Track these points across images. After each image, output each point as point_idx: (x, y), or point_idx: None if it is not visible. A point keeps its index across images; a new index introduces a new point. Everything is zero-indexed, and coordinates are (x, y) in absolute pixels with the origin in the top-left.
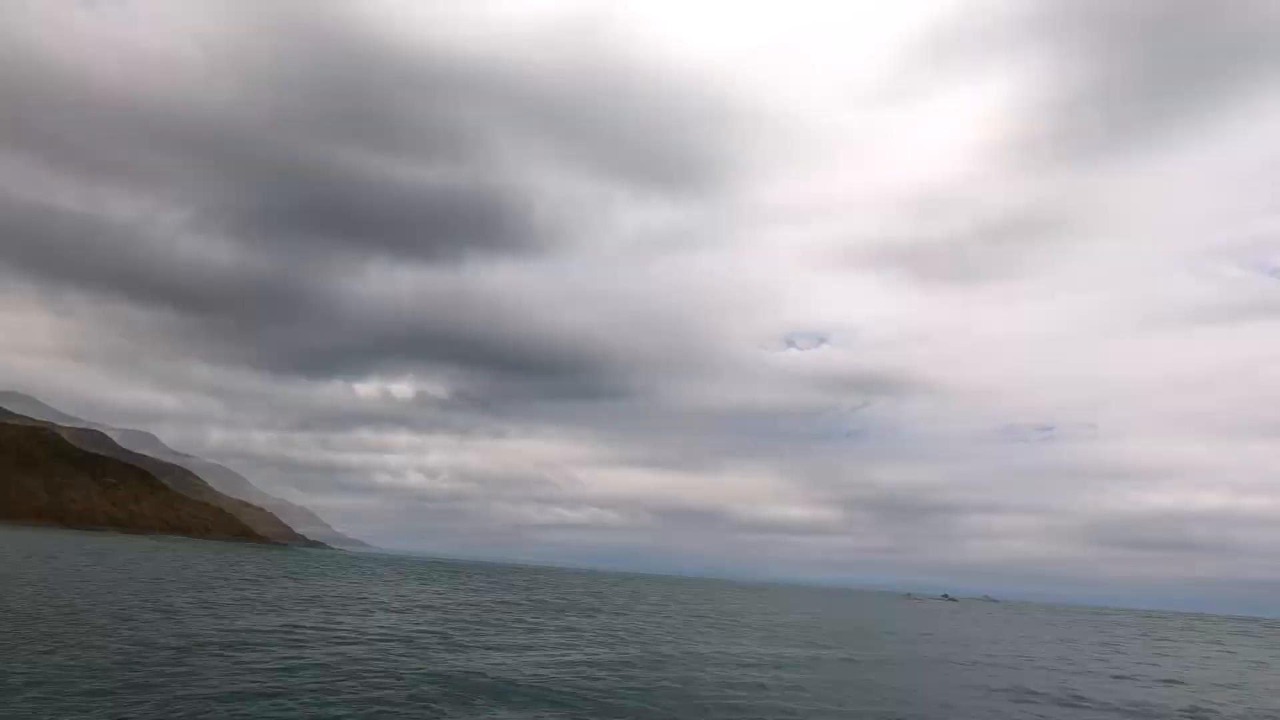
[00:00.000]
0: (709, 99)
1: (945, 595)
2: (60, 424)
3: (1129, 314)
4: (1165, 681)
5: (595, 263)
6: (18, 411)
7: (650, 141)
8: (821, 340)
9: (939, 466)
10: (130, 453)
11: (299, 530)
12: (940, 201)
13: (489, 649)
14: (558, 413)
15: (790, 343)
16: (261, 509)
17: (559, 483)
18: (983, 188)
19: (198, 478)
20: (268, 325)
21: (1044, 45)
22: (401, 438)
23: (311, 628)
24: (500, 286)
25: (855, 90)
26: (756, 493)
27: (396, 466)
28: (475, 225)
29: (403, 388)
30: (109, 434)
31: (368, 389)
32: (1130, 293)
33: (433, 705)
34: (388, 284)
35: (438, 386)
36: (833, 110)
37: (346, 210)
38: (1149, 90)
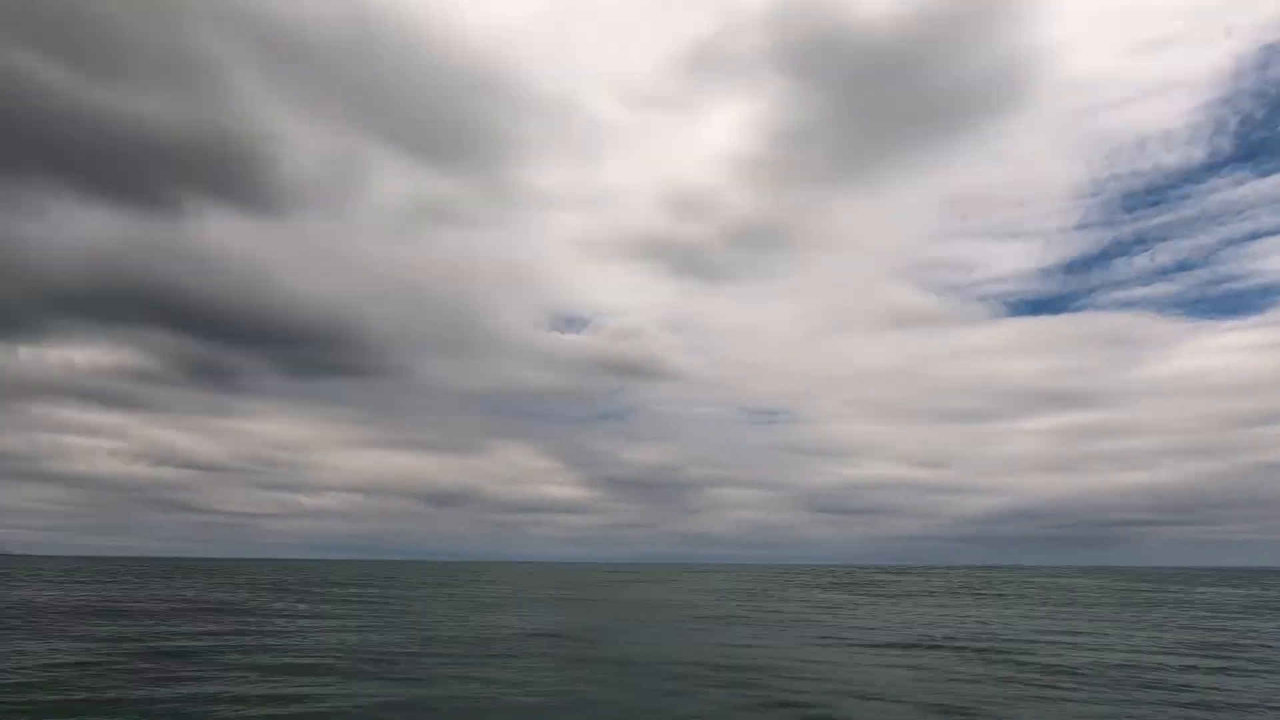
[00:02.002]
0: (488, 75)
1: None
2: None
3: (836, 317)
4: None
5: (351, 230)
6: None
7: (422, 108)
8: (583, 325)
9: (683, 447)
10: None
11: None
12: (695, 204)
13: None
14: (300, 390)
15: (553, 326)
16: None
17: (299, 467)
18: (729, 196)
19: None
20: None
21: (785, 79)
22: (90, 415)
23: None
24: (233, 244)
25: (626, 89)
26: (516, 473)
27: (82, 450)
28: (203, 170)
29: (93, 354)
30: None
31: (44, 354)
32: (838, 300)
33: None
34: (76, 229)
35: (143, 356)
36: (605, 105)
37: (22, 133)
38: (863, 130)
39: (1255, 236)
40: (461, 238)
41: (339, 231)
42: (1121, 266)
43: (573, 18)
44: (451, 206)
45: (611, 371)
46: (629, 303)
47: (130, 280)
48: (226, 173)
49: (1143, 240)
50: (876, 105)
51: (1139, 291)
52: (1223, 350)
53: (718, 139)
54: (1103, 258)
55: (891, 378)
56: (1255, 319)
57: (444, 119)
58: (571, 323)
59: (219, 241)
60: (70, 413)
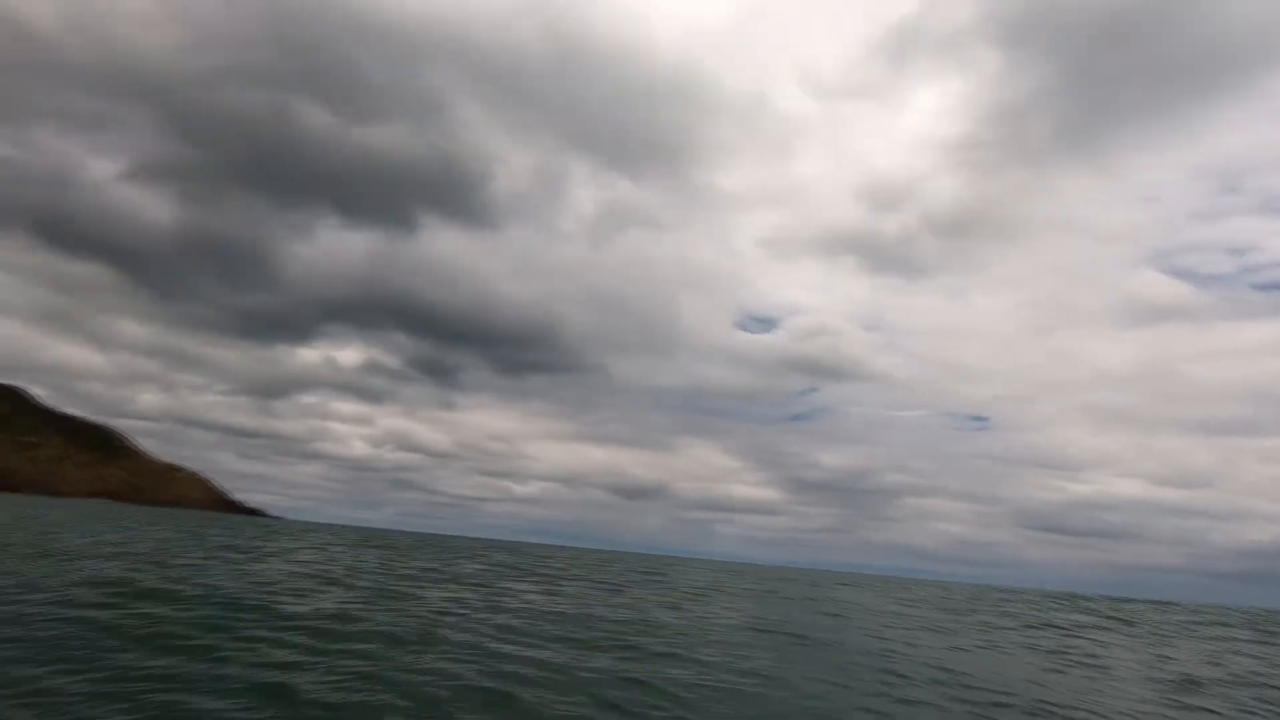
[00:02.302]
0: (679, 81)
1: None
2: None
3: (1061, 312)
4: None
5: (553, 237)
6: None
7: (613, 118)
8: (773, 324)
9: (880, 451)
10: (54, 412)
11: (235, 497)
12: (893, 194)
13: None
14: (509, 386)
15: (743, 325)
16: (195, 474)
17: (510, 456)
18: (933, 184)
19: (127, 439)
20: (208, 285)
21: (999, 51)
22: (347, 406)
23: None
24: (455, 255)
25: (818, 80)
26: (705, 471)
27: (340, 435)
28: (432, 192)
29: (349, 354)
30: (32, 390)
31: (312, 354)
32: (1065, 292)
33: None
34: (337, 247)
35: (386, 354)
36: (796, 98)
37: (297, 169)
38: (1094, 99)
39: None
40: (654, 241)
41: (543, 240)
42: None
43: (763, 13)
44: (644, 211)
45: (803, 371)
46: (822, 300)
47: (378, 290)
48: (452, 192)
49: None
50: (1110, 70)
51: None
52: None
53: (919, 123)
54: None
55: (1133, 381)
56: None
57: (637, 128)
58: (762, 322)
59: (447, 254)
60: (333, 403)
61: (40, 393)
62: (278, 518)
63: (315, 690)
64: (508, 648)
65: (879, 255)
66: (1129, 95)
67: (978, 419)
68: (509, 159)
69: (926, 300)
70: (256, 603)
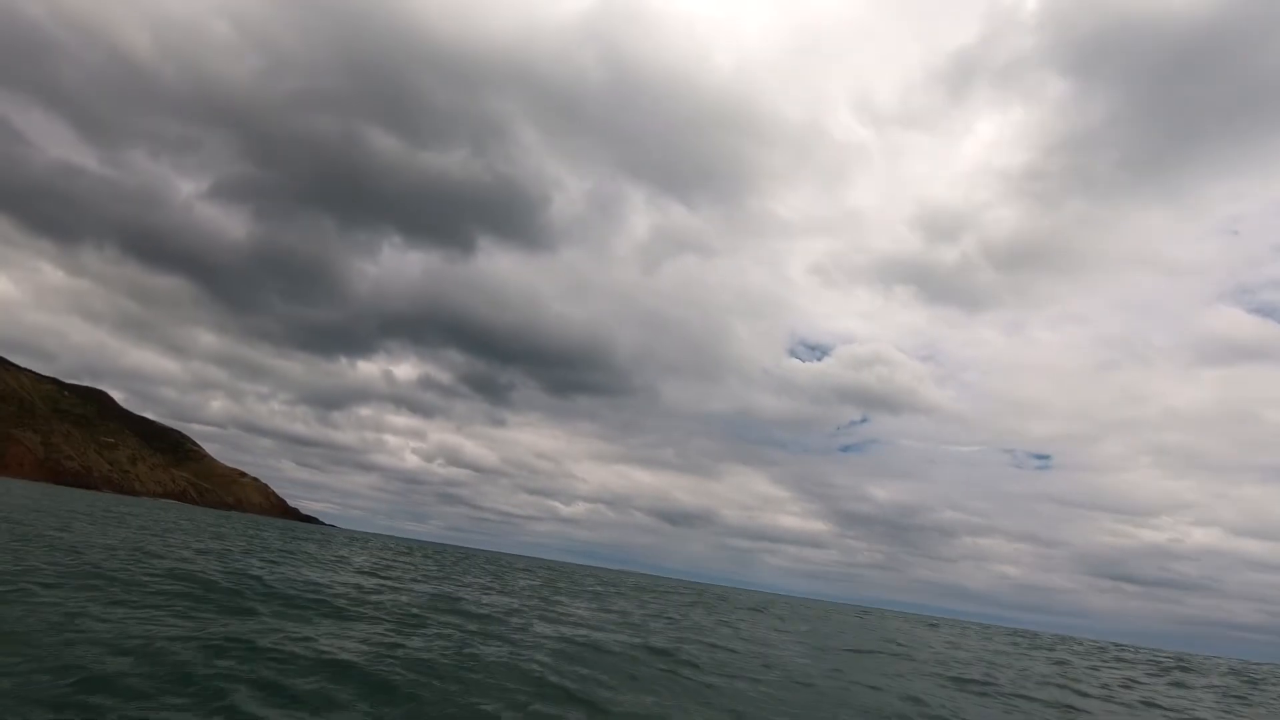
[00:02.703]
0: (735, 110)
1: None
2: (64, 380)
3: (1131, 348)
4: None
5: (606, 261)
6: (24, 365)
7: (669, 145)
8: (825, 353)
9: (934, 487)
10: (130, 414)
11: (293, 504)
12: (951, 224)
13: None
14: (558, 406)
15: (793, 353)
16: (256, 480)
17: (555, 475)
18: (993, 214)
19: (196, 444)
20: (278, 299)
21: (1065, 80)
22: (401, 419)
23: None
24: (511, 276)
25: (874, 109)
26: (750, 499)
27: (394, 447)
28: (491, 214)
29: (406, 369)
30: (111, 394)
31: (371, 368)
32: (1134, 327)
33: None
34: (399, 266)
35: (441, 371)
36: (850, 127)
37: (364, 190)
38: (1166, 129)
39: None
40: (706, 266)
41: (597, 263)
42: None
43: (820, 42)
44: (697, 237)
45: (854, 401)
46: (875, 330)
47: (435, 308)
48: (510, 215)
49: None
50: (1184, 99)
51: None
52: None
53: (980, 153)
54: None
55: (1210, 422)
56: None
57: (692, 155)
58: (813, 349)
59: (503, 274)
60: (388, 416)
61: (119, 396)
62: (332, 525)
63: None
64: None
65: (935, 285)
66: (1205, 124)
67: (1039, 457)
68: (566, 184)
69: (984, 333)
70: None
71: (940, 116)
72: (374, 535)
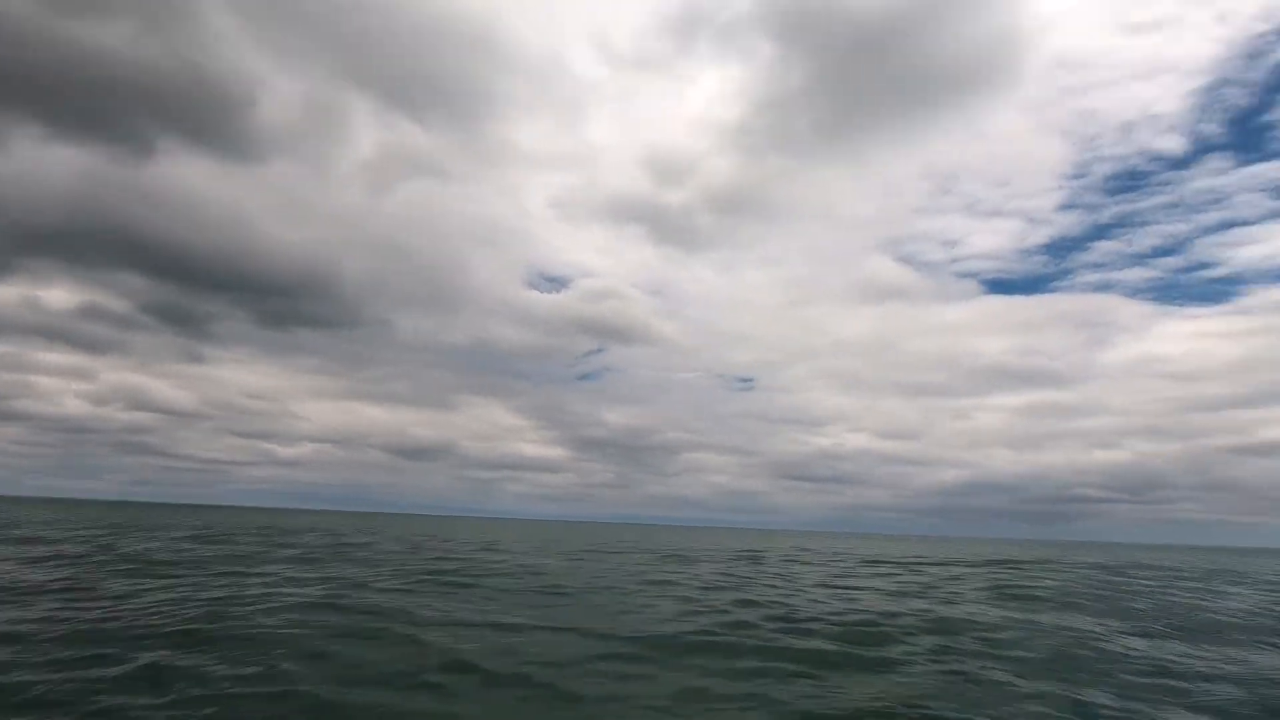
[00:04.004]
0: (474, 30)
1: None
2: None
3: (813, 288)
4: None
5: (328, 179)
6: None
7: (406, 60)
8: (563, 284)
9: (660, 410)
10: None
11: None
12: (677, 169)
13: None
14: (273, 340)
15: (532, 285)
16: None
17: (273, 416)
18: (711, 163)
19: None
20: None
21: (773, 45)
22: (55, 356)
23: None
24: (207, 189)
25: (611, 48)
26: (490, 429)
27: (47, 390)
28: (175, 111)
29: (60, 295)
30: None
31: (6, 293)
32: (816, 270)
33: None
34: (40, 164)
35: (113, 298)
36: (589, 63)
37: None
38: (849, 101)
39: (1231, 225)
40: (442, 192)
41: (317, 181)
42: (1099, 249)
43: None
44: (432, 160)
45: (590, 333)
46: (609, 265)
47: (100, 221)
48: (201, 114)
49: (1122, 224)
50: (863, 76)
51: (1114, 275)
52: (1189, 336)
53: (702, 103)
54: (1081, 240)
55: (866, 350)
56: (1222, 307)
57: (428, 72)
58: (551, 282)
59: (195, 185)
60: (36, 353)
61: None
62: None
63: None
64: None
65: (664, 226)
66: (877, 98)
67: (743, 380)
68: (274, 84)
69: (703, 272)
70: None
71: (670, 64)
72: (21, 500)
